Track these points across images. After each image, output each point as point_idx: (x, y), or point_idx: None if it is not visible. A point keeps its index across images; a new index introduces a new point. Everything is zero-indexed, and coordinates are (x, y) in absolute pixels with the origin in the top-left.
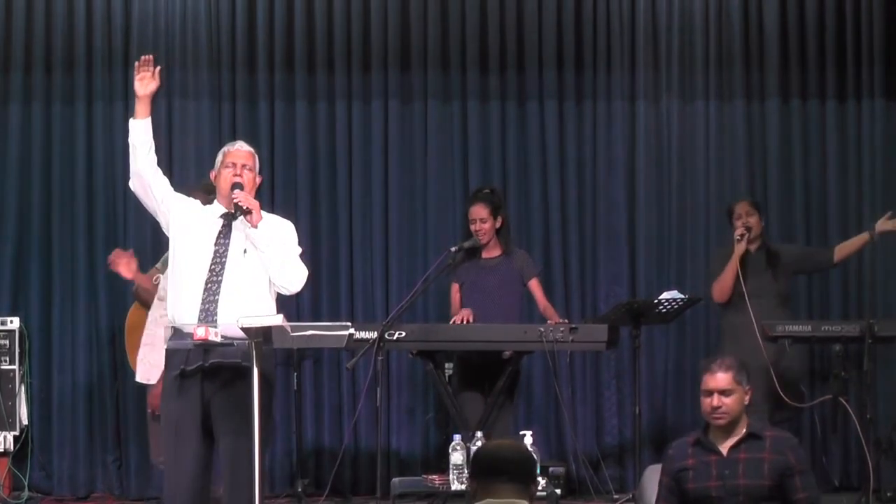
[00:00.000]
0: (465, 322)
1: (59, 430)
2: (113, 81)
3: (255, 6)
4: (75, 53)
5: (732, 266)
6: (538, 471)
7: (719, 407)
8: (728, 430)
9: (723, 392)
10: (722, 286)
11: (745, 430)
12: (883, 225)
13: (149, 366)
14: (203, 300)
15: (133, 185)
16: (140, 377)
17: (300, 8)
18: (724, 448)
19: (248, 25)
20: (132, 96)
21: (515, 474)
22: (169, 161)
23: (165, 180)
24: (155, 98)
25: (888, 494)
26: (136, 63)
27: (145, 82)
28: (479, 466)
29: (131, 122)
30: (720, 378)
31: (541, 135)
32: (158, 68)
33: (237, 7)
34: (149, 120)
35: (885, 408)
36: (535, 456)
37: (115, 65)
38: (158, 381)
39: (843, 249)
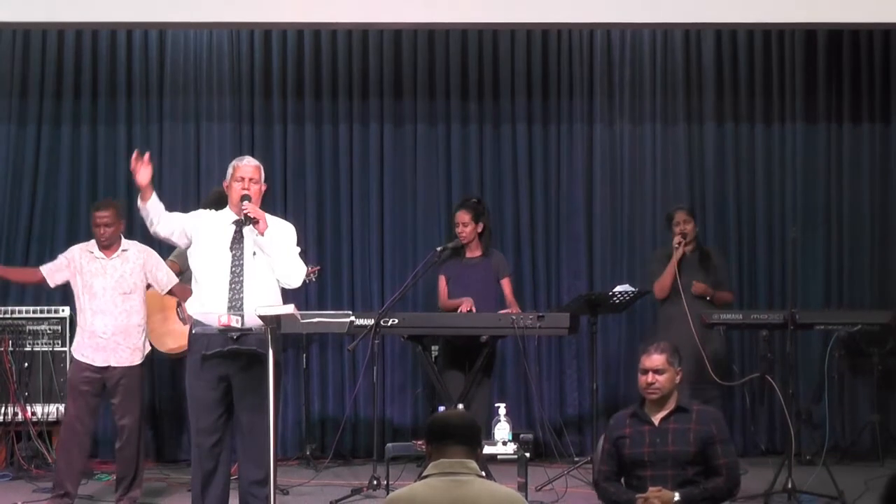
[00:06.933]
0: (469, 310)
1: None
2: (149, 106)
3: (270, 42)
4: (117, 82)
5: (671, 269)
6: (485, 435)
7: (653, 383)
8: (660, 403)
9: (657, 371)
10: (662, 285)
11: (674, 405)
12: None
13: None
14: (230, 298)
15: (157, 235)
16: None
17: (309, 44)
18: (657, 419)
19: (264, 59)
20: (166, 119)
21: (463, 438)
22: (197, 175)
23: (180, 220)
24: (185, 121)
25: (807, 457)
26: (133, 158)
27: (143, 173)
28: (432, 432)
29: (142, 205)
30: (655, 359)
31: (513, 152)
32: (148, 154)
33: (255, 43)
34: (154, 197)
35: (805, 384)
36: (478, 424)
37: (152, 92)
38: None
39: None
